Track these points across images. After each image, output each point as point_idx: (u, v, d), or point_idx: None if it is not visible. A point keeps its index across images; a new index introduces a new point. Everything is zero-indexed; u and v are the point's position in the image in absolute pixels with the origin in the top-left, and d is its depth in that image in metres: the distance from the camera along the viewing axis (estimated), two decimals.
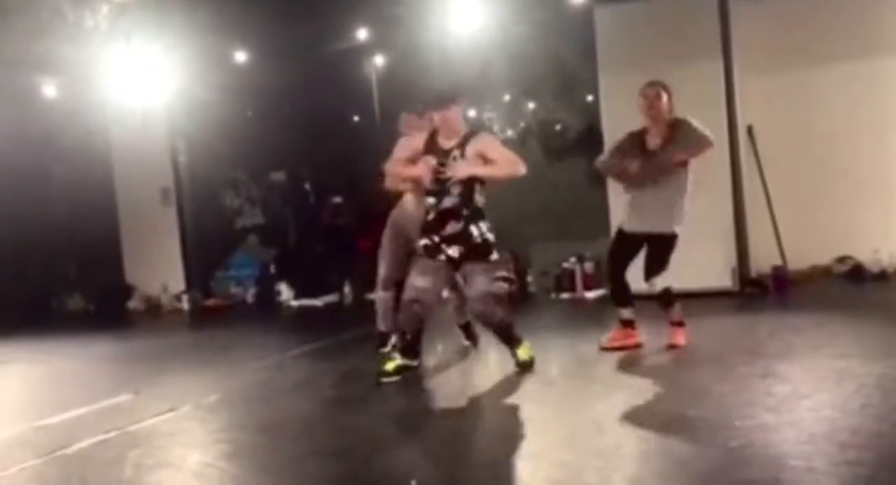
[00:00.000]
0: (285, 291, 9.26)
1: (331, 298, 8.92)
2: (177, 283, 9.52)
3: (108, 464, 3.43)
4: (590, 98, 7.89)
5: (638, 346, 4.99)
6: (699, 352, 4.81)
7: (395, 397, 4.41)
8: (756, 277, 7.07)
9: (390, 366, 4.60)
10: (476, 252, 4.48)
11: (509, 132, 8.53)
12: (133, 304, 9.60)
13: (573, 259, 7.75)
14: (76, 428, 4.02)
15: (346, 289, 8.79)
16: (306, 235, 9.98)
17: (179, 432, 3.93)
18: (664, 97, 4.79)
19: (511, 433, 3.53)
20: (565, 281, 7.80)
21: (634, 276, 4.95)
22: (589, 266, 7.66)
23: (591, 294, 7.58)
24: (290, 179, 10.07)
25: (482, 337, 5.39)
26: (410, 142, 4.76)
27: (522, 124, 8.77)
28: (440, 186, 4.49)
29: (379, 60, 8.67)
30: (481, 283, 4.44)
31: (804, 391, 3.74)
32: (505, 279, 4.54)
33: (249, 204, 10.09)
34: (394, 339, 5.01)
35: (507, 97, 8.80)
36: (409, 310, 4.51)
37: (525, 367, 4.56)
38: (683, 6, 6.81)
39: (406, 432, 3.80)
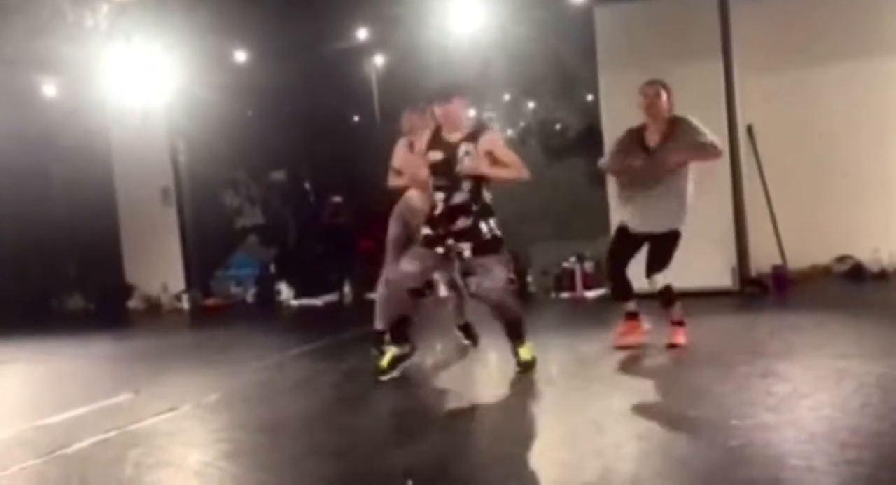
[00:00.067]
0: (285, 291, 9.25)
1: (331, 297, 8.92)
2: (177, 282, 9.51)
3: (108, 463, 3.43)
4: (590, 98, 7.89)
5: (646, 333, 5.01)
6: (699, 351, 4.80)
7: (396, 396, 4.41)
8: (756, 277, 7.07)
9: (385, 360, 4.60)
10: (487, 247, 4.48)
11: (509, 132, 8.52)
12: (133, 303, 9.60)
13: (573, 259, 7.75)
14: (76, 428, 4.02)
15: (346, 288, 8.80)
16: (306, 234, 9.98)
17: (179, 432, 3.93)
18: (664, 95, 4.79)
19: (511, 433, 3.54)
20: (565, 281, 7.80)
21: (635, 273, 4.95)
22: (589, 266, 7.66)
23: (591, 294, 7.58)
24: (290, 179, 10.07)
25: (482, 337, 5.39)
26: (415, 142, 4.76)
27: (522, 124, 8.77)
28: (450, 181, 4.49)
29: (379, 60, 8.66)
30: (500, 272, 4.43)
31: (804, 391, 3.74)
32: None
33: (249, 204, 10.09)
34: (388, 338, 5.00)
35: (507, 97, 8.81)
36: (393, 292, 4.51)
37: (526, 367, 4.55)
38: (683, 6, 6.80)
39: (406, 431, 3.80)
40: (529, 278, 8.05)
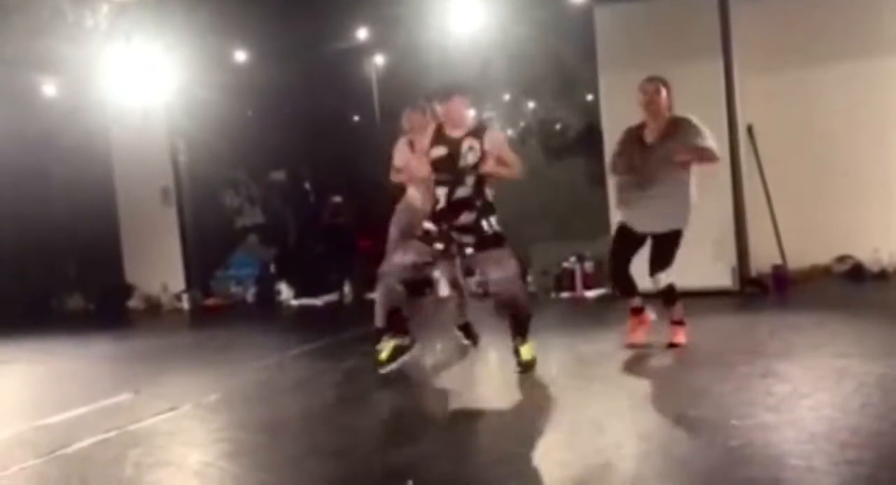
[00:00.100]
0: (285, 291, 9.25)
1: (331, 297, 8.91)
2: (177, 282, 9.51)
3: (108, 463, 3.43)
4: (590, 98, 7.90)
5: (651, 323, 5.03)
6: (699, 351, 4.80)
7: (396, 396, 4.42)
8: (756, 277, 7.07)
9: (385, 353, 4.59)
10: (489, 242, 4.48)
11: (509, 132, 8.53)
12: (133, 303, 9.60)
13: (573, 259, 7.74)
14: (76, 428, 4.03)
15: (346, 288, 8.80)
16: (306, 234, 9.98)
17: (179, 432, 3.93)
18: (663, 92, 4.79)
19: (511, 433, 3.54)
20: (565, 280, 7.80)
21: (639, 272, 4.94)
22: (589, 266, 7.66)
23: (591, 293, 7.58)
24: (290, 179, 10.07)
25: (482, 337, 5.40)
26: (416, 141, 4.76)
27: (522, 124, 8.77)
28: (453, 176, 4.49)
29: (379, 60, 8.67)
30: (510, 265, 4.45)
31: (804, 391, 3.74)
32: None
33: (249, 203, 10.09)
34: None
35: (507, 97, 8.81)
36: (385, 283, 4.51)
37: (527, 367, 4.55)
38: (683, 5, 6.80)
39: (406, 432, 3.80)
40: (529, 278, 8.04)
